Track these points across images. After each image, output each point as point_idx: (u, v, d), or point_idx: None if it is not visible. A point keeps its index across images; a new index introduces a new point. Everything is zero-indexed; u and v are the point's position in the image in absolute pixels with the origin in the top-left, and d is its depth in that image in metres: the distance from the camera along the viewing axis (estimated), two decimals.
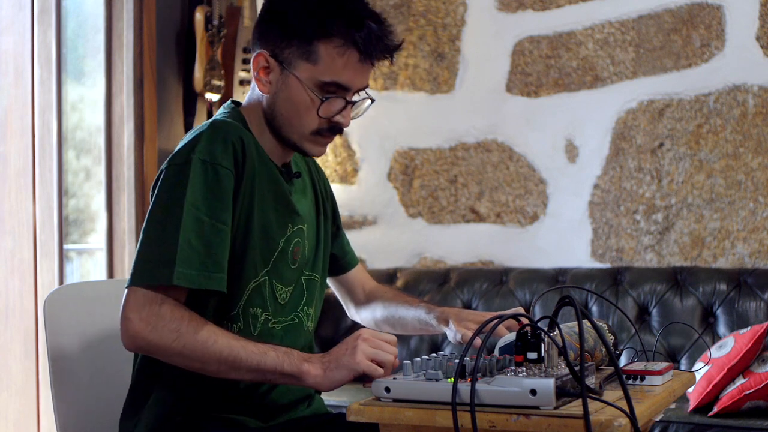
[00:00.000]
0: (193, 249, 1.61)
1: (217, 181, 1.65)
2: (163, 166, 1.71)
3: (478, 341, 1.50)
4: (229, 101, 1.87)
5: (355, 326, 3.71)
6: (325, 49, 1.70)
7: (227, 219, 1.66)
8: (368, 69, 1.74)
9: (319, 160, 4.12)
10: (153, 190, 1.72)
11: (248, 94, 1.83)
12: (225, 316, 1.73)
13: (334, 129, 1.76)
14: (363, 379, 1.58)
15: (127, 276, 1.65)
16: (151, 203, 1.69)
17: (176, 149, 1.71)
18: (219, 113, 1.83)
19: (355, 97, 1.77)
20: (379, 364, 1.57)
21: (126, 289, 1.62)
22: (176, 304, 1.62)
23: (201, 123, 4.07)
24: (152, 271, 1.61)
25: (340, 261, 2.05)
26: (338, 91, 1.72)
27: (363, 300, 2.10)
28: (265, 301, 1.76)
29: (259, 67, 1.75)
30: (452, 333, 1.84)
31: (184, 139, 1.74)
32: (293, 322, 1.83)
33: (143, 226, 1.68)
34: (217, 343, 1.59)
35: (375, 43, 1.70)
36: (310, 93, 1.71)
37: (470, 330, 1.81)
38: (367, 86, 1.77)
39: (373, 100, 1.80)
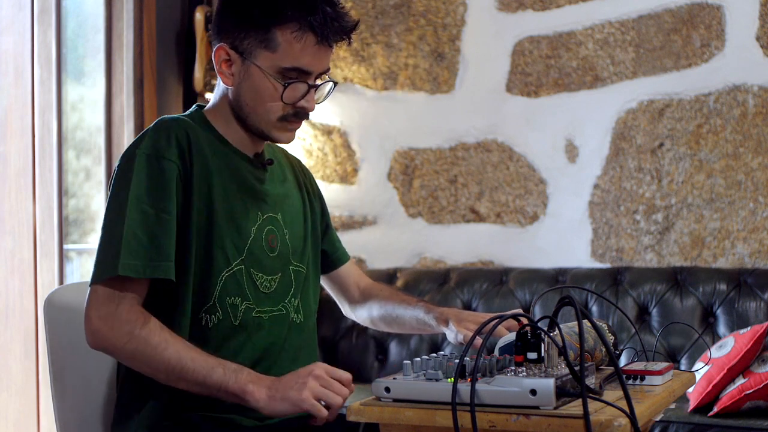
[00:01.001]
0: (138, 240, 1.65)
1: (160, 173, 1.69)
2: (115, 166, 1.76)
3: (478, 341, 1.50)
4: (195, 105, 1.90)
5: (356, 326, 3.71)
6: (282, 35, 1.73)
7: (171, 209, 1.68)
8: (327, 52, 1.78)
9: (319, 160, 4.13)
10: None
11: (215, 90, 1.87)
12: (203, 308, 1.74)
13: (300, 114, 1.79)
14: (309, 415, 1.59)
15: None
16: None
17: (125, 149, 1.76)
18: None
19: (318, 82, 1.80)
20: (326, 405, 1.58)
21: (89, 288, 1.66)
22: (133, 305, 1.65)
23: None
24: (102, 266, 1.65)
25: (331, 257, 2.06)
26: (300, 76, 1.76)
27: (358, 298, 2.10)
28: (243, 290, 1.77)
29: (221, 60, 1.80)
30: (452, 334, 1.84)
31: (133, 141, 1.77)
32: (280, 313, 1.83)
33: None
34: (167, 350, 1.62)
35: (330, 25, 1.74)
36: (272, 80, 1.75)
37: (470, 330, 1.81)
38: (328, 69, 1.81)
39: (335, 83, 1.84)
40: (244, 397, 1.60)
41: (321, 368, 1.60)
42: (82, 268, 3.64)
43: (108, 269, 1.64)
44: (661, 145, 3.64)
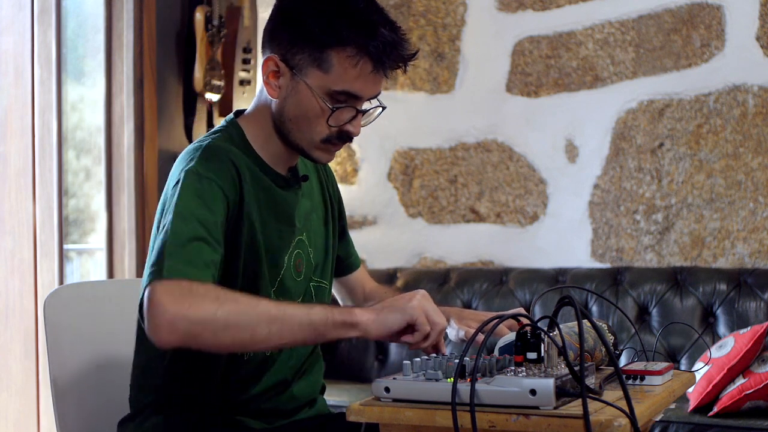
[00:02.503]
0: (184, 247, 1.54)
1: (205, 191, 1.60)
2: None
3: (478, 339, 1.50)
4: (231, 114, 1.82)
5: None
6: (338, 58, 1.65)
7: (214, 229, 1.59)
8: (381, 78, 1.70)
9: None
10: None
11: (256, 97, 1.79)
12: None
13: (344, 137, 1.72)
14: (405, 333, 1.54)
15: (132, 276, 1.64)
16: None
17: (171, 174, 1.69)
18: (217, 129, 1.78)
19: (366, 105, 1.72)
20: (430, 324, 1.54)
21: (146, 289, 1.52)
22: (207, 282, 1.53)
23: (200, 123, 4.06)
24: (152, 271, 1.55)
25: (344, 262, 2.03)
26: (349, 100, 1.68)
27: (362, 301, 2.09)
28: None
29: (269, 71, 1.70)
30: (454, 331, 1.84)
31: (178, 163, 1.69)
32: None
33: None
34: (260, 304, 1.52)
35: (389, 52, 1.65)
36: (321, 102, 1.67)
37: (471, 328, 1.81)
38: (378, 94, 1.73)
39: (384, 108, 1.75)
40: (353, 321, 1.52)
41: (426, 293, 1.56)
42: (82, 268, 3.64)
43: (155, 274, 1.52)
44: (661, 145, 3.64)
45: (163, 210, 1.62)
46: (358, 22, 1.65)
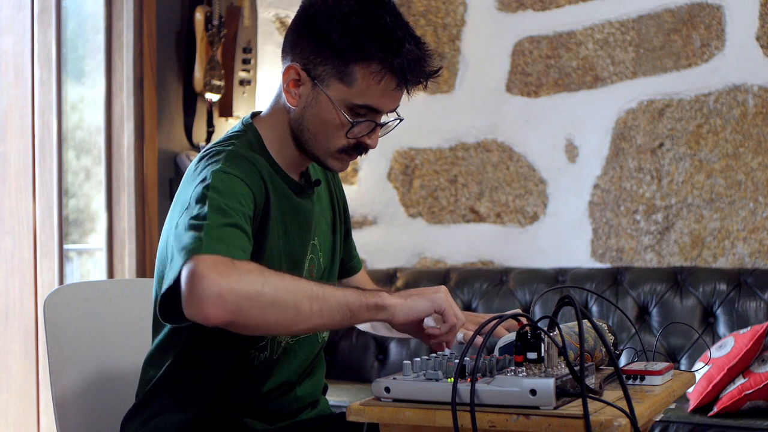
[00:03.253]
0: (219, 229, 1.52)
1: (239, 188, 1.60)
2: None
3: (477, 340, 1.50)
4: (248, 116, 1.80)
5: (355, 326, 3.71)
6: (362, 73, 1.65)
7: (247, 223, 1.58)
8: (403, 93, 1.71)
9: None
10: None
11: (271, 101, 1.78)
12: (255, 346, 1.72)
13: (361, 149, 1.73)
14: (424, 335, 1.60)
15: (132, 276, 1.63)
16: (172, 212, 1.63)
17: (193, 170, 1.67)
18: (235, 132, 1.77)
19: (384, 118, 1.73)
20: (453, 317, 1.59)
21: (184, 266, 1.45)
22: (248, 258, 1.53)
23: (200, 123, 4.03)
24: (187, 250, 1.49)
25: (347, 265, 2.02)
26: (369, 114, 1.69)
27: None
28: None
29: (290, 79, 1.70)
30: None
31: (198, 166, 1.67)
32: (307, 335, 1.82)
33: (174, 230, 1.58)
34: (301, 281, 1.51)
35: (413, 68, 1.66)
36: (341, 114, 1.67)
37: (470, 330, 1.81)
38: (398, 107, 1.73)
39: (401, 120, 1.76)
40: (383, 303, 1.54)
41: (446, 288, 1.62)
42: (82, 268, 3.64)
43: (193, 251, 1.46)
44: (661, 145, 3.64)
45: (182, 209, 1.59)
46: (385, 37, 1.64)
